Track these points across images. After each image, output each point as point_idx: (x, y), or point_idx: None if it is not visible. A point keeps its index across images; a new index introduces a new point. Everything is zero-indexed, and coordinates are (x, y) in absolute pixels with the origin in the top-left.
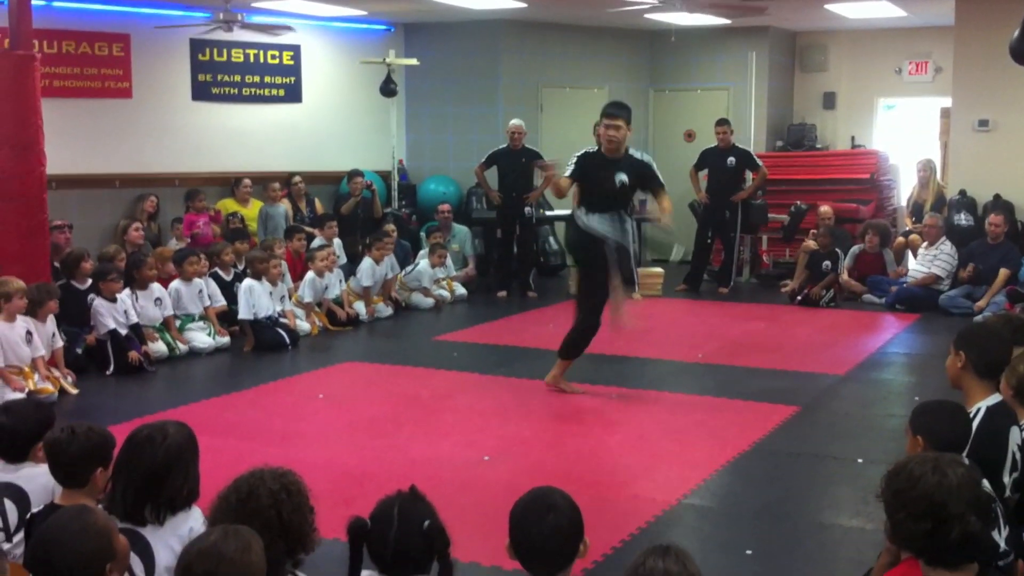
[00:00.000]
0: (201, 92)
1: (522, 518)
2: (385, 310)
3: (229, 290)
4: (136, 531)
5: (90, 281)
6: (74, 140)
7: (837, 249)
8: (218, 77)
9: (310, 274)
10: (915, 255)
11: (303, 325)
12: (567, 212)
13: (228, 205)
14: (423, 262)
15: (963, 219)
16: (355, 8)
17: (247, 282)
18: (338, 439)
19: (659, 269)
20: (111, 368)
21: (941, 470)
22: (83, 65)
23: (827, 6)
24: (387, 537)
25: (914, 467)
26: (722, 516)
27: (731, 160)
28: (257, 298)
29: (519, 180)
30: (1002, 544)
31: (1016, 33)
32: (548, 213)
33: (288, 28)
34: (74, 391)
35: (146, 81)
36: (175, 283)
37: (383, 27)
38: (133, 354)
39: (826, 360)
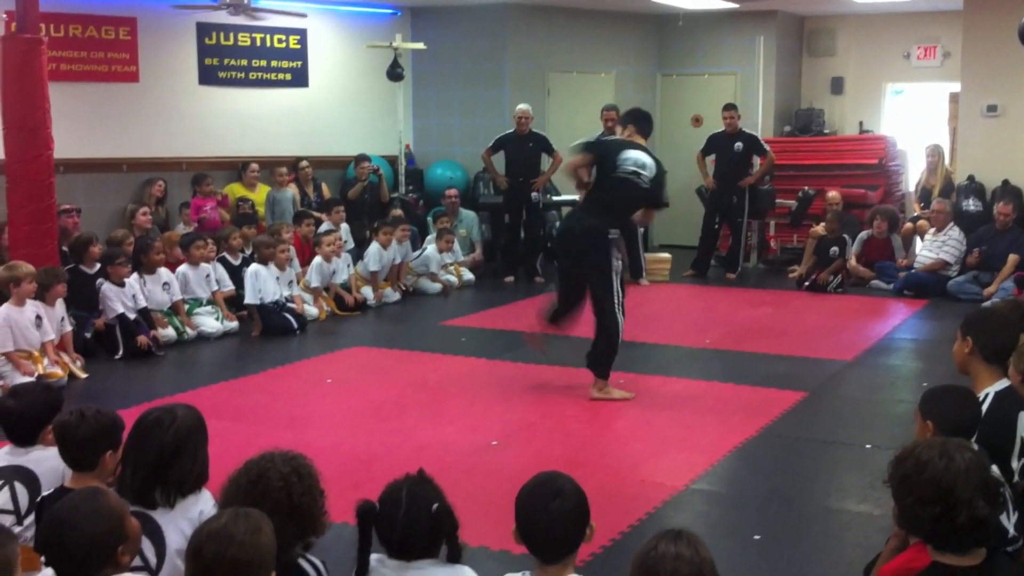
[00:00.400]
0: (208, 76)
1: (528, 503)
2: (392, 295)
3: (237, 275)
4: (147, 514)
5: (98, 265)
6: (81, 124)
7: (845, 235)
8: (225, 61)
9: (317, 259)
10: (923, 241)
11: (311, 310)
12: (573, 197)
13: (235, 190)
14: (430, 247)
15: (971, 205)
16: None
17: (253, 267)
18: (345, 423)
19: (667, 255)
20: (120, 352)
21: (949, 455)
22: (90, 49)
23: None
24: (396, 520)
25: (921, 452)
26: (730, 501)
27: (738, 145)
28: (263, 283)
29: (526, 165)
30: (1011, 530)
31: None
32: (555, 198)
33: (301, 15)
34: (83, 375)
35: (153, 65)
36: (182, 267)
37: (390, 11)
38: (142, 338)
39: (834, 346)
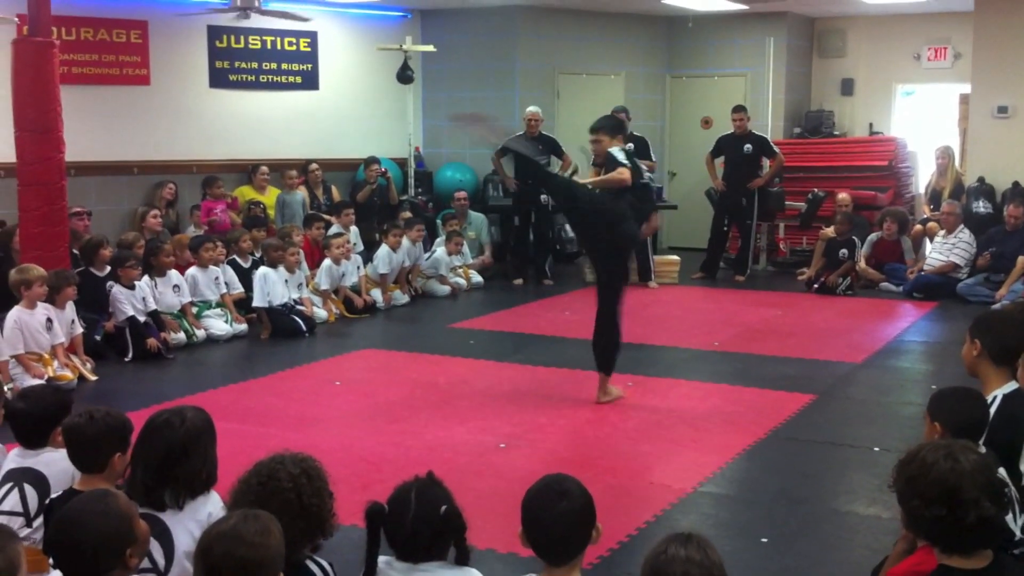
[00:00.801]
0: (218, 79)
1: (534, 505)
2: (401, 297)
3: (247, 277)
4: (155, 516)
5: (109, 268)
6: (92, 127)
7: (854, 237)
8: (235, 64)
9: (327, 261)
10: (933, 243)
11: (320, 312)
12: None
13: (245, 192)
14: (440, 249)
15: (981, 207)
16: None
17: (262, 270)
18: (355, 425)
19: (675, 257)
20: (130, 355)
21: (953, 456)
22: (101, 52)
23: None
24: (404, 522)
25: (926, 454)
26: (738, 503)
27: (748, 147)
28: (272, 286)
29: None
30: (1017, 532)
31: None
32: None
33: (306, 18)
34: (93, 378)
35: (164, 68)
36: (191, 270)
37: (400, 13)
38: (151, 341)
39: (843, 348)
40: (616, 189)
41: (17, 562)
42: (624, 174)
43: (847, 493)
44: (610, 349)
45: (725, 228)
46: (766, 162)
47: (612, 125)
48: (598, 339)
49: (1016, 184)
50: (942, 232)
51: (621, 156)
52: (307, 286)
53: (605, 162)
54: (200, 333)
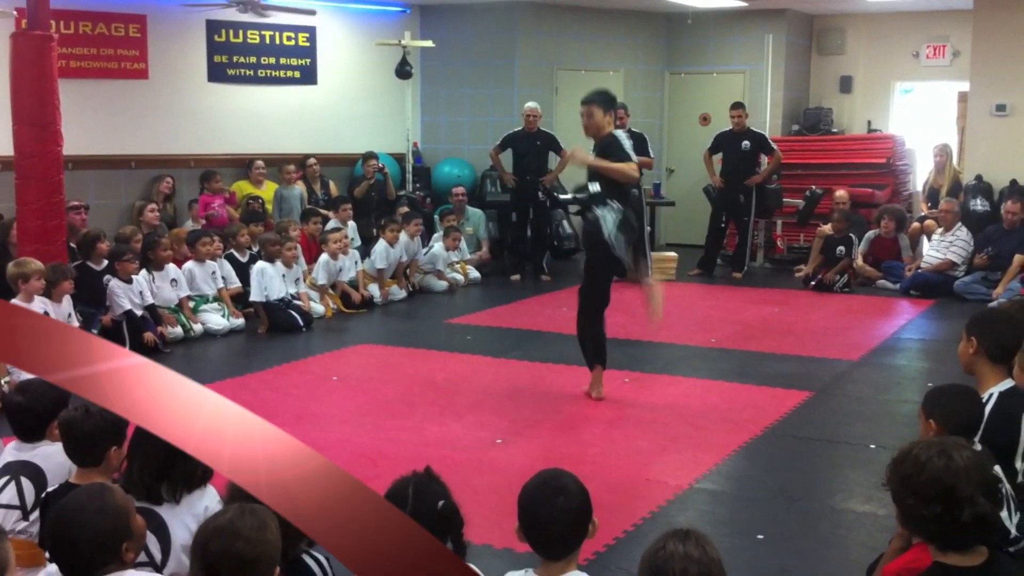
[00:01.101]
0: (217, 73)
1: (531, 501)
2: (399, 293)
3: (245, 272)
4: (152, 510)
5: (106, 262)
6: (91, 121)
7: (852, 234)
8: (234, 59)
9: (324, 256)
10: (930, 240)
11: (317, 307)
12: (567, 196)
13: (243, 187)
14: (437, 245)
15: (979, 205)
16: None
17: (259, 264)
18: (352, 421)
19: (673, 253)
20: (126, 349)
21: (947, 453)
22: (100, 46)
23: None
24: None
25: (920, 452)
26: (734, 500)
27: (746, 144)
28: (269, 280)
29: (534, 163)
30: (1013, 530)
31: None
32: (562, 196)
33: (311, 12)
34: None
35: (162, 62)
36: (189, 264)
37: (399, 9)
38: (149, 335)
39: (840, 345)
40: (618, 183)
41: (5, 560)
42: (633, 170)
43: (843, 490)
44: (600, 341)
45: (723, 225)
46: (764, 159)
47: (605, 98)
48: (585, 334)
49: (1014, 182)
50: (940, 230)
51: (628, 145)
52: (304, 281)
53: (608, 145)
54: (197, 327)
